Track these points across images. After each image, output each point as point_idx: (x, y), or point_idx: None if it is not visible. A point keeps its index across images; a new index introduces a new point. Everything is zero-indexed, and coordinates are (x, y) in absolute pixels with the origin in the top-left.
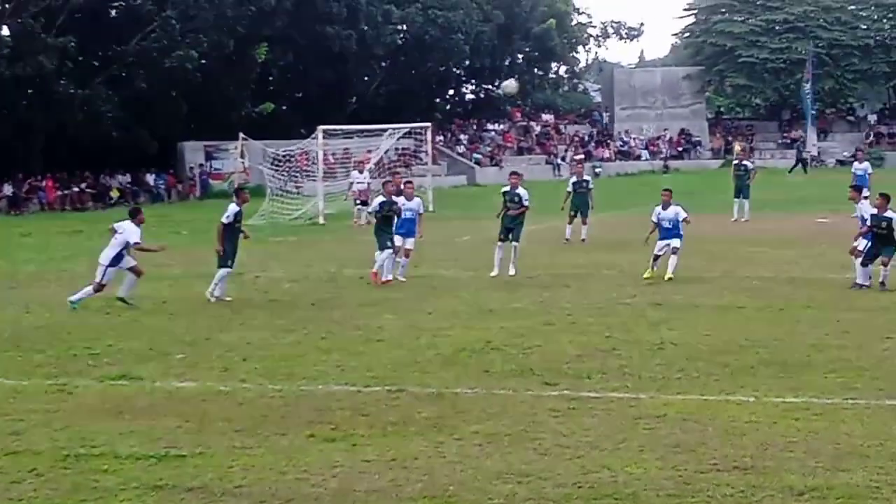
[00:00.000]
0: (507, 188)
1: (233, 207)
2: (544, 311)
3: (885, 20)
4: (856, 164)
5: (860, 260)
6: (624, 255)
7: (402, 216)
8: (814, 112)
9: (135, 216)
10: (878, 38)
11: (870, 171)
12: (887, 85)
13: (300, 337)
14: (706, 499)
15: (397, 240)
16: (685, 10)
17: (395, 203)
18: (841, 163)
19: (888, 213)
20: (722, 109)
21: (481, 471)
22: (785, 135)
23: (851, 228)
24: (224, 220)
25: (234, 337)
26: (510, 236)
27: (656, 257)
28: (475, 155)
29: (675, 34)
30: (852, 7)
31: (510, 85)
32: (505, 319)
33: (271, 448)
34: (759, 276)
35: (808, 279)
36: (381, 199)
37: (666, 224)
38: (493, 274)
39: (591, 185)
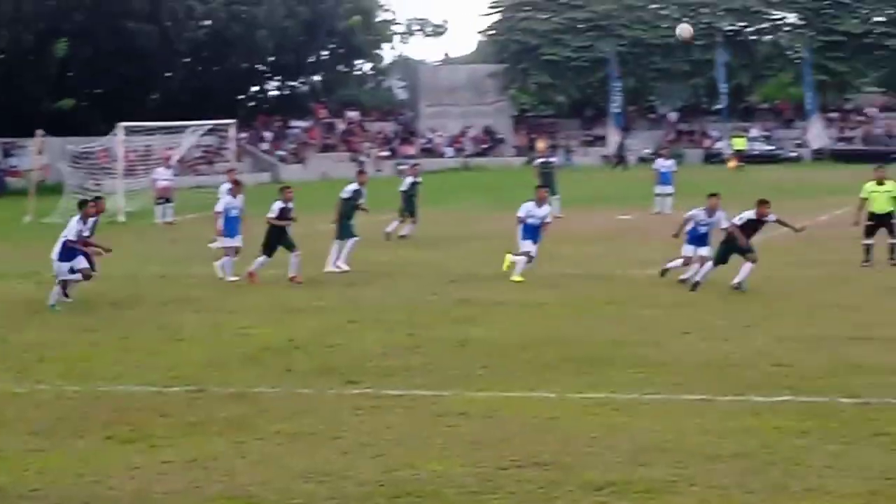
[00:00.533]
0: (357, 186)
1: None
2: (349, 308)
3: (685, 19)
4: (660, 161)
5: (710, 262)
6: (430, 252)
7: (230, 215)
8: (617, 110)
9: (80, 208)
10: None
11: (674, 168)
12: (688, 83)
13: (99, 337)
14: (507, 495)
15: (230, 241)
16: (490, 7)
17: (291, 209)
18: (643, 160)
19: (770, 217)
20: (526, 107)
21: (283, 470)
22: (587, 132)
23: (652, 225)
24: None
25: (30, 337)
26: (353, 233)
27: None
28: (279, 152)
29: (481, 32)
30: (654, 6)
31: (685, 29)
32: (309, 317)
33: (68, 450)
34: (563, 272)
35: (611, 275)
36: (280, 204)
37: (534, 222)
38: (328, 269)
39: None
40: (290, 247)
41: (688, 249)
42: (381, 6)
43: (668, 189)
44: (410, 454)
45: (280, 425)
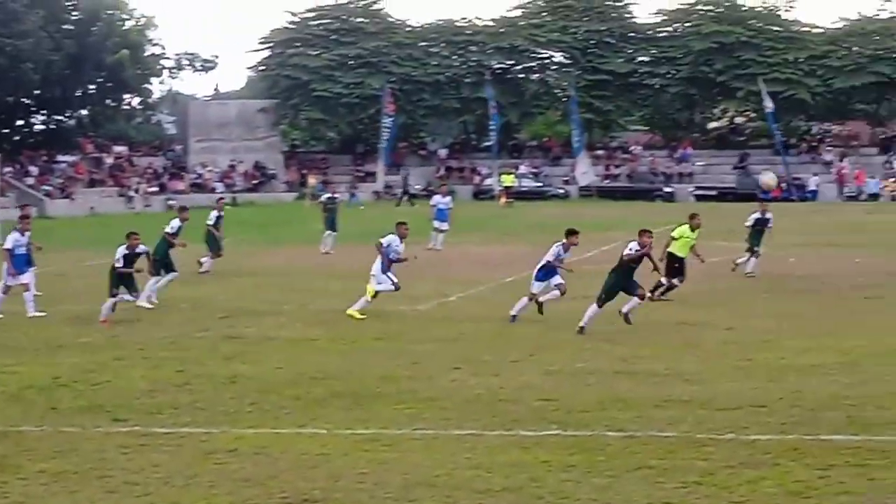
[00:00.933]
0: (180, 223)
1: None
2: (115, 345)
3: (454, 57)
4: (437, 197)
5: (596, 303)
6: (199, 288)
7: (17, 252)
8: (385, 145)
9: None
10: (448, 74)
11: (451, 205)
12: (457, 120)
13: None
14: None
15: (21, 277)
16: (260, 43)
17: (141, 253)
18: (414, 196)
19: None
20: (297, 142)
21: None
22: (358, 168)
23: (432, 258)
24: None
25: None
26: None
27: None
28: (45, 187)
29: (251, 67)
30: (424, 43)
31: (769, 177)
32: (74, 355)
33: None
34: (333, 308)
35: (381, 311)
36: (124, 251)
37: (394, 256)
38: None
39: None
40: (133, 289)
41: (537, 286)
42: (150, 40)
43: (444, 225)
44: (178, 493)
45: (44, 465)
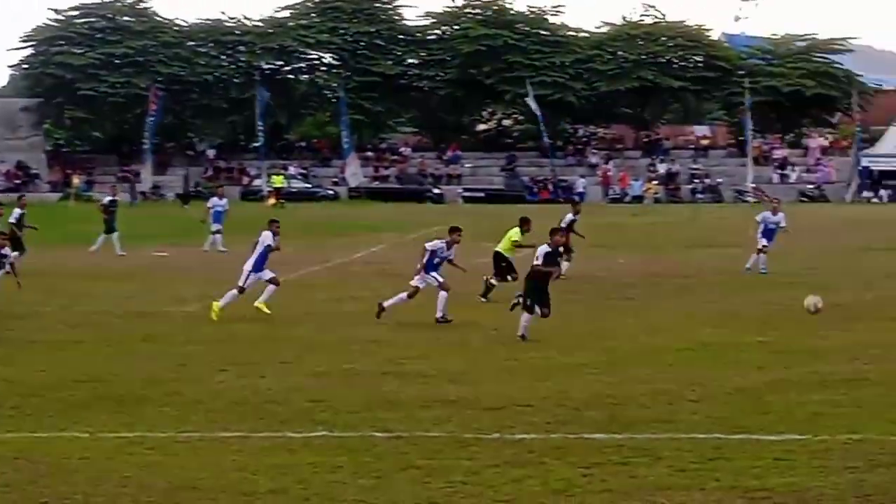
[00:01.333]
0: (21, 210)
1: None
2: None
3: (223, 57)
4: (214, 199)
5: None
6: None
7: None
8: (149, 145)
9: None
10: (216, 74)
11: (227, 207)
12: (226, 120)
13: None
14: None
15: None
16: (22, 41)
17: (7, 255)
18: (180, 196)
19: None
20: (61, 142)
21: None
22: (124, 168)
23: (187, 262)
24: None
25: None
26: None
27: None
28: None
29: (13, 66)
30: (191, 43)
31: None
32: None
33: None
34: (98, 310)
35: (147, 312)
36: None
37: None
38: None
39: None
40: None
41: (429, 278)
42: None
43: (220, 227)
44: None
45: None
